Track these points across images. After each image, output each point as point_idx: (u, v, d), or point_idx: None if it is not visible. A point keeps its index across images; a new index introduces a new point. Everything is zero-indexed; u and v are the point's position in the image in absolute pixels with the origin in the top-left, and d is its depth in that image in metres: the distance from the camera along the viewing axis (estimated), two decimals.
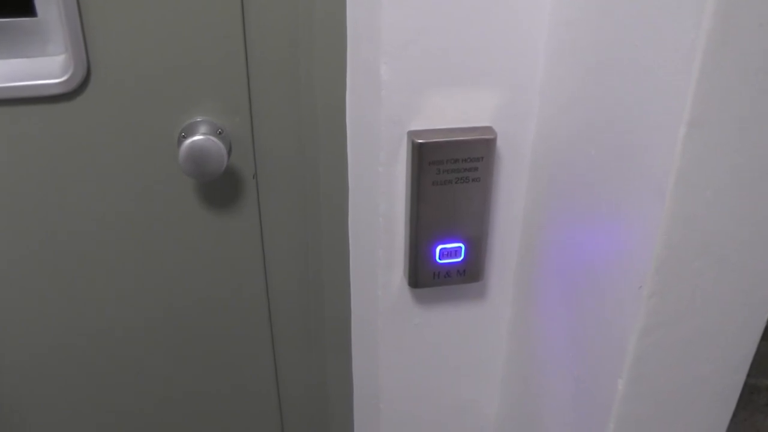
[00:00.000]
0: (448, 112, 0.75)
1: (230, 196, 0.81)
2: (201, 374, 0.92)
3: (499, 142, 0.76)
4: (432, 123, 0.75)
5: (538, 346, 0.82)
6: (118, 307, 0.86)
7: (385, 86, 0.73)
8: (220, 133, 0.76)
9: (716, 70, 0.49)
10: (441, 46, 0.71)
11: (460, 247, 0.79)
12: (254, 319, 0.89)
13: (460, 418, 0.96)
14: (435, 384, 0.92)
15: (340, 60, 0.75)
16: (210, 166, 0.74)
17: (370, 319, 0.86)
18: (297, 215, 0.83)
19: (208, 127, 0.76)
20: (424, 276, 0.80)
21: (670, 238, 0.56)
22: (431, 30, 0.70)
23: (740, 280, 0.61)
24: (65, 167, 0.77)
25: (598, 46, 0.62)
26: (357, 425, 0.96)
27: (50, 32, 0.74)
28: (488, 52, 0.72)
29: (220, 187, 0.81)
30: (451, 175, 0.75)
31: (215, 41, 0.74)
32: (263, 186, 0.81)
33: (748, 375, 0.68)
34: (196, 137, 0.73)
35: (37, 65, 0.74)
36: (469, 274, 0.81)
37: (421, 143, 0.73)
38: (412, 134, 0.75)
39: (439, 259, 0.79)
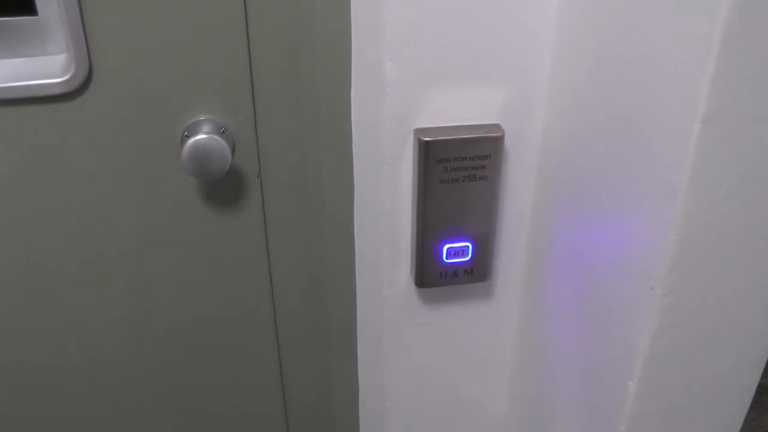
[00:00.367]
0: (455, 110, 0.74)
1: (234, 195, 0.80)
2: (204, 374, 0.91)
3: (507, 140, 0.75)
4: (438, 120, 0.74)
5: (546, 346, 0.81)
6: (120, 308, 0.85)
7: (390, 83, 0.72)
8: (223, 131, 0.75)
9: (732, 64, 0.48)
10: (446, 42, 0.70)
11: (468, 246, 0.78)
12: (259, 318, 0.89)
13: (467, 418, 0.95)
14: (441, 384, 0.91)
15: (345, 57, 0.74)
16: (213, 165, 0.73)
17: (375, 319, 0.85)
18: (302, 214, 0.82)
19: (212, 126, 0.75)
20: (430, 276, 0.79)
21: (684, 236, 0.55)
22: (436, 25, 0.69)
23: (755, 278, 0.60)
24: (67, 167, 0.76)
25: (608, 41, 0.61)
26: (363, 425, 0.95)
27: (51, 31, 0.73)
28: (495, 48, 0.71)
29: (223, 187, 0.80)
30: (458, 173, 0.74)
31: (218, 39, 0.73)
32: (267, 185, 0.80)
33: None
34: (200, 136, 0.72)
35: (37, 65, 0.73)
36: (477, 273, 0.80)
37: (428, 141, 0.73)
38: (418, 132, 0.74)
39: (446, 258, 0.78)
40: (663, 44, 0.53)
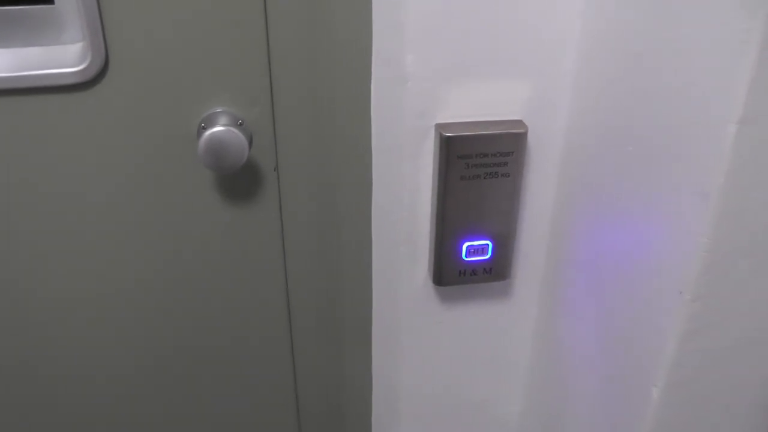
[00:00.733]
0: (476, 105, 0.73)
1: (250, 188, 0.79)
2: (216, 369, 0.90)
3: (529, 136, 0.74)
4: (459, 115, 0.73)
5: (565, 348, 0.79)
6: (134, 300, 0.84)
7: (411, 77, 0.70)
8: (240, 124, 0.74)
9: None
10: (468, 35, 0.68)
11: (487, 245, 0.77)
12: (273, 313, 0.87)
13: (482, 419, 0.94)
14: (457, 384, 0.89)
15: (365, 50, 0.72)
16: (230, 158, 0.72)
17: (391, 317, 0.84)
18: (319, 209, 0.81)
19: (229, 118, 0.74)
20: (449, 274, 0.77)
21: (715, 240, 0.53)
22: (458, 18, 0.68)
23: None
24: (82, 157, 0.75)
25: (641, 36, 0.59)
26: (375, 423, 0.94)
27: (67, 20, 0.72)
28: (518, 41, 0.70)
29: (239, 180, 0.78)
30: (479, 170, 0.73)
31: (236, 29, 0.71)
32: (284, 179, 0.79)
33: None
34: (216, 128, 0.71)
35: (53, 54, 0.72)
36: (496, 272, 0.79)
37: (449, 136, 0.71)
38: (439, 127, 0.72)
39: (465, 256, 0.77)
40: (700, 40, 0.51)
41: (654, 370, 0.61)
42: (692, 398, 0.63)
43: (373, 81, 0.74)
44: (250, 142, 0.75)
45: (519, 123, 0.73)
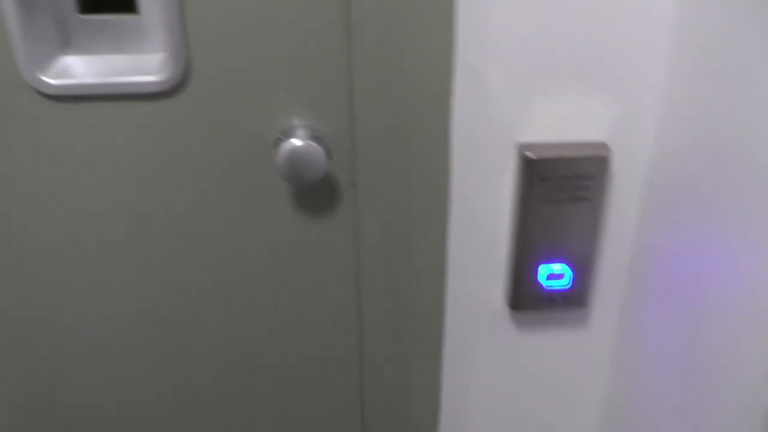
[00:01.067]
0: (560, 123, 0.70)
1: (326, 202, 0.78)
2: (285, 377, 0.90)
3: (613, 159, 0.71)
4: (542, 134, 0.71)
5: (644, 383, 0.76)
6: (207, 306, 0.84)
7: (494, 93, 0.68)
8: (318, 137, 0.73)
9: None
10: (554, 51, 0.66)
11: (566, 271, 0.74)
12: (343, 327, 0.86)
13: None
14: (527, 410, 0.87)
15: (447, 63, 0.70)
16: (308, 172, 0.71)
17: (464, 337, 0.82)
18: (395, 225, 0.79)
19: (307, 131, 0.73)
20: (525, 298, 0.75)
21: None
22: (544, 34, 0.66)
23: None
24: (160, 165, 0.75)
25: (732, 55, 0.56)
26: None
27: (151, 29, 0.72)
28: (604, 60, 0.67)
29: (316, 192, 0.77)
30: (561, 194, 0.70)
31: (318, 41, 0.71)
32: (362, 193, 0.78)
33: None
34: (296, 141, 0.70)
35: (136, 62, 0.72)
36: (574, 299, 0.76)
37: (532, 158, 0.69)
38: (522, 147, 0.70)
39: (543, 281, 0.74)
40: None
41: (747, 418, 0.58)
42: None
43: (455, 96, 0.72)
44: (329, 156, 0.74)
45: (603, 146, 0.70)
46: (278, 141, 0.73)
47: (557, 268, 0.74)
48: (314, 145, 0.70)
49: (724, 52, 0.58)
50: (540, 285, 0.74)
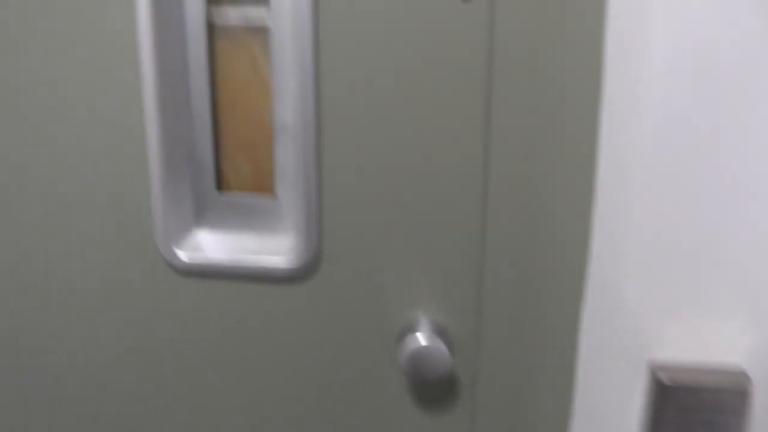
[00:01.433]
0: (696, 345, 0.68)
1: (443, 398, 0.76)
2: None
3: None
4: (675, 352, 0.68)
5: None
6: None
7: (627, 304, 0.67)
8: (443, 333, 0.72)
9: None
10: (695, 264, 0.64)
11: None
12: None
13: None
14: None
15: (580, 273, 0.69)
16: (432, 372, 0.69)
17: None
18: (513, 429, 0.77)
19: (433, 326, 0.72)
20: None
21: None
22: (684, 246, 0.63)
23: None
24: (281, 349, 0.74)
25: None
26: None
27: (286, 213, 0.73)
28: (749, 279, 0.65)
29: (434, 387, 0.75)
30: (696, 427, 0.67)
31: (451, 230, 0.70)
32: (481, 395, 0.75)
33: None
34: (421, 341, 0.69)
35: (269, 244, 0.73)
36: None
37: (667, 385, 0.66)
38: (655, 369, 0.67)
39: None
40: None
41: None
42: None
43: (586, 304, 0.70)
44: (452, 353, 0.72)
45: (743, 376, 0.67)
46: (402, 335, 0.72)
47: None
48: (441, 345, 0.69)
49: None
50: None
